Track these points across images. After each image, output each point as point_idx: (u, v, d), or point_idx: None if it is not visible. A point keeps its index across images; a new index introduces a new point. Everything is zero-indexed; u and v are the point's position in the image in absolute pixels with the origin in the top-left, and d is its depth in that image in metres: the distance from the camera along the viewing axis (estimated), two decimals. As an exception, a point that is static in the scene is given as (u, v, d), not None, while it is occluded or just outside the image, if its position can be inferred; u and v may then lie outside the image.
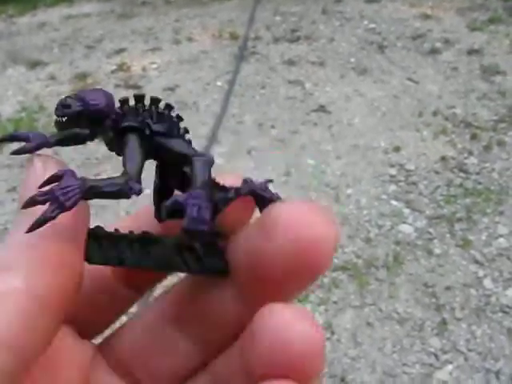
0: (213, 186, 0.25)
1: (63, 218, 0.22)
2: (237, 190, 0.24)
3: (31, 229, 0.21)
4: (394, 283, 1.79)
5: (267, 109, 2.71)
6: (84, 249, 0.23)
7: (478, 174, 2.23)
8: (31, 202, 0.21)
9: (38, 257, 0.21)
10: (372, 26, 3.55)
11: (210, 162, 0.25)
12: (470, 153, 2.34)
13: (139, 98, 0.25)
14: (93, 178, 0.23)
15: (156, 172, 0.27)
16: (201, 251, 0.24)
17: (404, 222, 2.02)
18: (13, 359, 0.20)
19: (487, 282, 1.77)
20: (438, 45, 3.24)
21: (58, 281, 0.22)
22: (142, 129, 0.25)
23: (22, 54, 3.71)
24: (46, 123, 2.83)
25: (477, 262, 1.85)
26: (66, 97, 0.25)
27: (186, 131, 0.26)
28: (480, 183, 2.19)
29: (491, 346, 1.57)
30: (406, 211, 2.07)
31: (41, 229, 0.21)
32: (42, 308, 0.21)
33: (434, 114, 2.60)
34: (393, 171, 2.26)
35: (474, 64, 3.01)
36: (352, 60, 3.15)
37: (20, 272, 0.21)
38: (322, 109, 2.69)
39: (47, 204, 0.21)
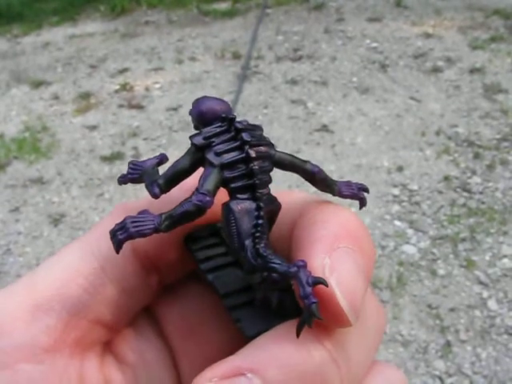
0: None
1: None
2: (294, 271, 0.22)
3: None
4: (397, 304, 1.79)
5: (270, 128, 2.71)
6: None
7: (481, 193, 2.23)
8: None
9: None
10: (374, 44, 3.57)
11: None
12: (474, 172, 2.34)
13: (230, 120, 0.25)
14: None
15: None
16: (255, 314, 0.25)
17: (407, 243, 2.02)
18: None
19: (492, 303, 1.76)
20: (440, 63, 3.25)
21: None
22: (200, 146, 0.25)
23: (26, 74, 3.73)
24: (49, 143, 2.84)
25: (481, 282, 1.84)
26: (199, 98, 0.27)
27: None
28: (483, 203, 2.18)
29: (497, 369, 1.56)
30: (410, 231, 2.07)
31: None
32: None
33: (437, 133, 2.60)
34: (396, 191, 2.26)
35: (476, 82, 3.01)
36: (354, 79, 3.16)
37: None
38: (324, 128, 2.70)
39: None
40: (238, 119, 0.25)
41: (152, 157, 0.26)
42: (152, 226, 0.23)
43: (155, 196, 0.24)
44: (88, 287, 0.24)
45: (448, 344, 1.65)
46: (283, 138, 2.64)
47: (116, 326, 0.26)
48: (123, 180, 0.26)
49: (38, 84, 3.55)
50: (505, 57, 3.26)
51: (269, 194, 0.25)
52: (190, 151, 0.25)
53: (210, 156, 0.24)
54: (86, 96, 3.30)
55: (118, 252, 0.24)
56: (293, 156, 0.26)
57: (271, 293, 0.25)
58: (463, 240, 2.02)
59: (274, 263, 0.22)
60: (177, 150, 2.59)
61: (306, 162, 0.27)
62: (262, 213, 0.23)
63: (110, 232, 0.23)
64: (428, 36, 3.63)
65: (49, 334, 0.24)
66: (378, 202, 2.21)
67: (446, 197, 2.22)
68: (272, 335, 0.22)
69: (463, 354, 1.61)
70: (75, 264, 0.25)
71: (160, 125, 2.88)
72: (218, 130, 0.25)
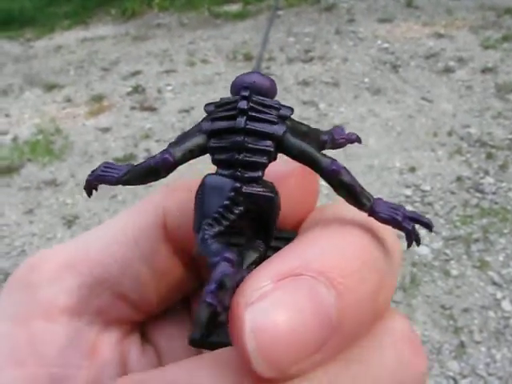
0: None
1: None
2: None
3: None
4: (410, 305, 1.78)
5: (281, 130, 2.71)
6: None
7: (494, 193, 2.22)
8: None
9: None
10: (385, 45, 3.56)
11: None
12: (486, 172, 2.33)
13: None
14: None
15: None
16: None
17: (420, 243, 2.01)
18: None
19: (506, 304, 1.75)
20: (452, 63, 3.24)
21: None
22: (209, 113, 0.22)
23: (38, 77, 3.76)
24: (63, 146, 2.86)
25: (495, 283, 1.83)
26: None
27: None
28: (496, 203, 2.17)
29: (511, 370, 1.55)
30: (422, 232, 2.06)
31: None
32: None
33: (449, 133, 2.59)
34: (408, 192, 2.25)
35: (488, 82, 3.00)
36: (366, 80, 3.15)
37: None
38: (336, 129, 2.69)
39: None
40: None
41: None
42: (116, 175, 0.22)
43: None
44: (118, 258, 0.24)
45: (462, 345, 1.64)
46: (295, 139, 2.63)
47: (146, 308, 0.25)
48: None
49: (50, 87, 3.57)
50: (517, 56, 3.24)
51: (260, 178, 0.20)
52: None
53: (204, 122, 0.21)
54: (98, 98, 3.32)
55: (87, 193, 0.23)
56: (310, 145, 0.21)
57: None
58: (476, 240, 2.01)
59: (208, 249, 0.18)
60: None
61: (325, 156, 0.21)
62: (232, 194, 0.19)
63: None
64: (439, 36, 3.61)
65: (69, 295, 0.23)
66: (391, 202, 2.20)
67: (458, 197, 2.21)
68: (198, 359, 0.18)
69: (477, 355, 1.61)
70: (113, 233, 0.24)
71: (172, 127, 2.90)
72: (233, 99, 0.21)
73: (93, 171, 0.22)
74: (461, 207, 2.16)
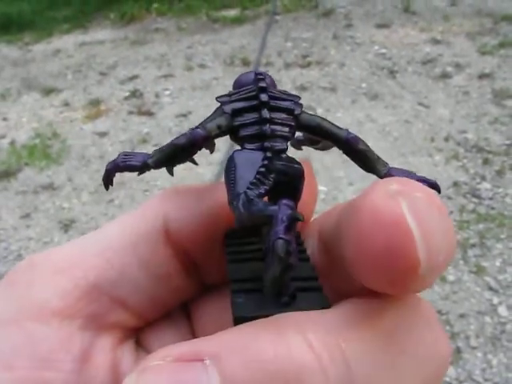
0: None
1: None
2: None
3: None
4: (407, 310, 1.78)
5: (279, 134, 2.71)
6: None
7: (490, 199, 2.22)
8: None
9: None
10: (383, 51, 3.57)
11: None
12: (483, 178, 2.33)
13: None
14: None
15: None
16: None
17: (417, 249, 2.01)
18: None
19: (502, 310, 1.75)
20: (449, 69, 3.25)
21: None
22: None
23: (36, 81, 3.77)
24: (60, 150, 2.86)
25: (491, 288, 1.83)
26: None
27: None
28: (493, 208, 2.17)
29: (508, 376, 1.55)
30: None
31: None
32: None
33: (446, 139, 2.60)
34: (405, 197, 2.25)
35: (485, 88, 3.01)
36: (363, 85, 3.16)
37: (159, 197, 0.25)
38: (333, 134, 2.69)
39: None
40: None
41: None
42: (141, 159, 0.22)
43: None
44: (115, 263, 0.24)
45: (458, 350, 1.64)
46: (292, 144, 2.63)
47: (144, 314, 0.25)
48: None
49: (48, 91, 3.57)
50: (514, 62, 3.25)
51: (286, 150, 0.22)
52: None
53: (225, 105, 0.22)
54: (96, 103, 3.32)
55: (106, 185, 0.23)
56: (323, 119, 0.23)
57: (287, 281, 0.19)
58: (473, 246, 2.01)
59: (258, 205, 0.18)
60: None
61: (340, 128, 0.23)
62: (266, 162, 0.20)
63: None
64: (436, 42, 3.62)
65: (62, 297, 0.23)
66: (388, 207, 2.20)
67: (455, 202, 2.22)
68: (255, 322, 0.17)
69: (474, 361, 1.61)
70: (110, 238, 0.24)
71: (170, 131, 2.90)
72: (248, 87, 0.23)
73: (111, 161, 0.23)
74: (457, 212, 2.17)
